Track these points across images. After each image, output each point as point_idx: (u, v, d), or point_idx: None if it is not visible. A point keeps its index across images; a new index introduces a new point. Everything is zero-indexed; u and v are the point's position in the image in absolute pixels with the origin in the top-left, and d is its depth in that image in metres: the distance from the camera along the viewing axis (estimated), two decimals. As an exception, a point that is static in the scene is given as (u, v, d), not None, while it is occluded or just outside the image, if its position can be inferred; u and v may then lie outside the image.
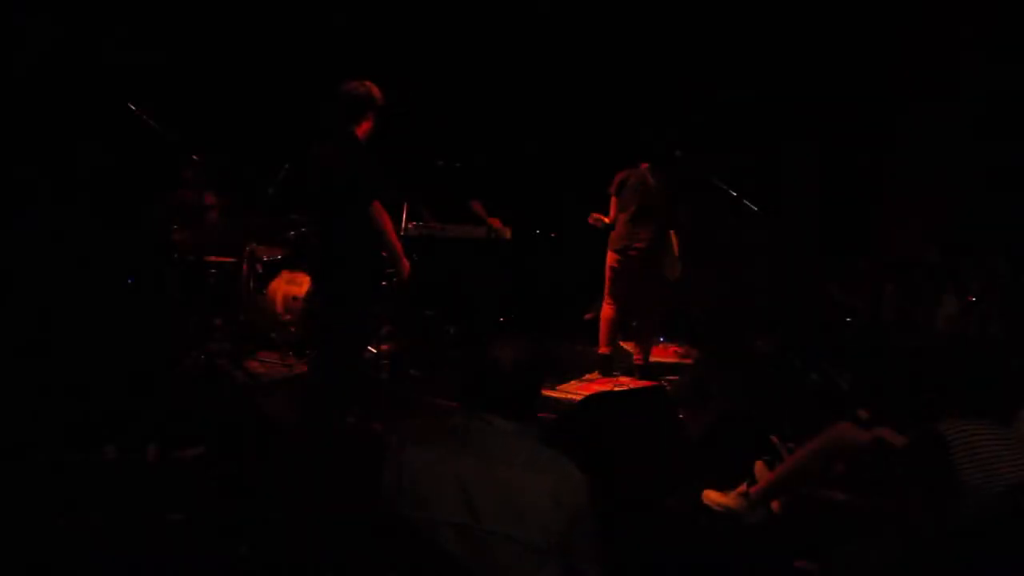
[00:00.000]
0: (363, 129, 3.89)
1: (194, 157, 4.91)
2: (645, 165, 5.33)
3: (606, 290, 5.50)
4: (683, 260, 5.90)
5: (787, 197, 6.19)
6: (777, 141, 6.47)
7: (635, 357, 5.53)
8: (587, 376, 5.47)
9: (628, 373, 5.62)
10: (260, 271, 5.67)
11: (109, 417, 3.65)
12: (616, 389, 5.09)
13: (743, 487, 3.38)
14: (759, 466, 3.53)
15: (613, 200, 5.47)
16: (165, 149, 4.90)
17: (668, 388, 4.83)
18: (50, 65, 5.09)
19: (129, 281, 5.16)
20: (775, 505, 3.33)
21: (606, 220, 5.42)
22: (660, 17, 6.51)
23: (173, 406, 4.02)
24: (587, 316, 6.44)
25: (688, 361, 5.86)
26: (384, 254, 3.89)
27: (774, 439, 3.62)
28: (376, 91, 3.93)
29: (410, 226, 5.83)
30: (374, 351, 5.44)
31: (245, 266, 5.52)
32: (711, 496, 3.41)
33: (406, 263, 3.93)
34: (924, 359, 2.64)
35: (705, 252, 6.72)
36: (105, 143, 5.24)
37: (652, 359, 6.10)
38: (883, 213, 6.18)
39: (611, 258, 5.43)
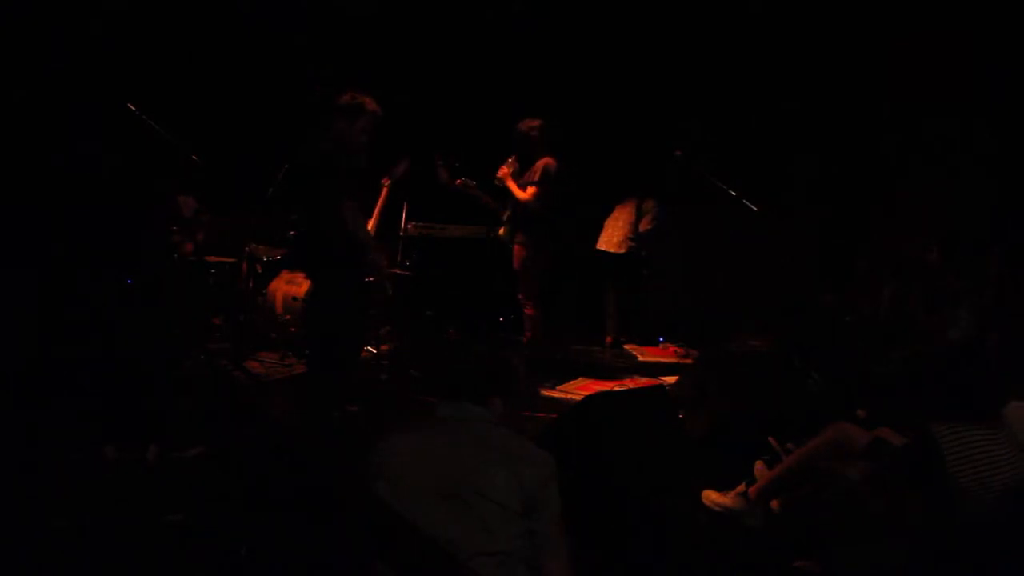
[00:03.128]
0: (346, 133, 3.90)
1: (193, 157, 4.91)
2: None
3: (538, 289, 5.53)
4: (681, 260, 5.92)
5: (787, 197, 6.19)
6: (777, 141, 6.47)
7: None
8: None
9: (627, 373, 5.63)
10: (260, 271, 5.67)
11: (110, 417, 3.66)
12: (616, 389, 5.09)
13: (742, 487, 3.38)
14: (759, 466, 3.54)
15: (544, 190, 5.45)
16: (165, 149, 4.90)
17: (668, 388, 4.83)
18: (50, 64, 5.09)
19: (128, 282, 5.16)
20: (774, 504, 3.33)
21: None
22: (660, 19, 6.52)
23: (173, 406, 4.02)
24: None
25: (688, 361, 5.86)
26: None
27: (772, 439, 3.62)
28: (364, 102, 3.94)
29: (409, 226, 5.84)
30: (374, 351, 5.45)
31: (245, 266, 5.52)
32: (710, 496, 3.41)
33: (375, 260, 3.96)
34: (921, 360, 2.64)
35: (705, 252, 6.73)
36: (105, 143, 5.23)
37: (652, 359, 6.11)
38: (883, 213, 6.18)
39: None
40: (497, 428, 2.11)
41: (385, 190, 5.31)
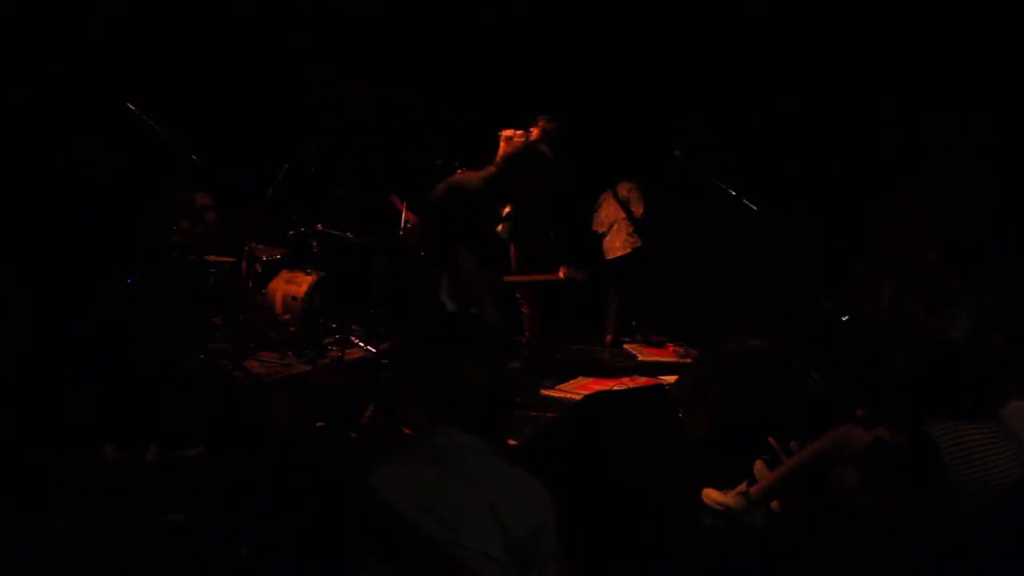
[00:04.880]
0: (516, 174, 3.85)
1: (193, 156, 4.91)
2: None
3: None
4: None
5: (787, 197, 6.19)
6: (777, 141, 6.47)
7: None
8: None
9: (627, 373, 5.63)
10: (260, 271, 5.67)
11: (109, 417, 3.65)
12: (616, 389, 5.09)
13: (743, 486, 3.37)
14: (759, 465, 3.53)
15: None
16: (164, 149, 4.90)
17: (668, 388, 4.83)
18: (50, 64, 5.09)
19: (128, 281, 5.16)
20: (774, 505, 3.33)
21: None
22: (660, 19, 6.52)
23: (173, 406, 4.02)
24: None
25: (688, 361, 5.86)
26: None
27: (772, 439, 3.62)
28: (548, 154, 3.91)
29: (408, 226, 5.83)
30: (373, 351, 5.46)
31: (245, 266, 5.52)
32: (711, 495, 3.40)
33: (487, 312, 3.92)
34: (921, 360, 2.64)
35: (705, 252, 6.73)
36: (105, 143, 5.23)
37: (652, 359, 6.09)
38: (883, 213, 6.18)
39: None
40: (492, 462, 1.90)
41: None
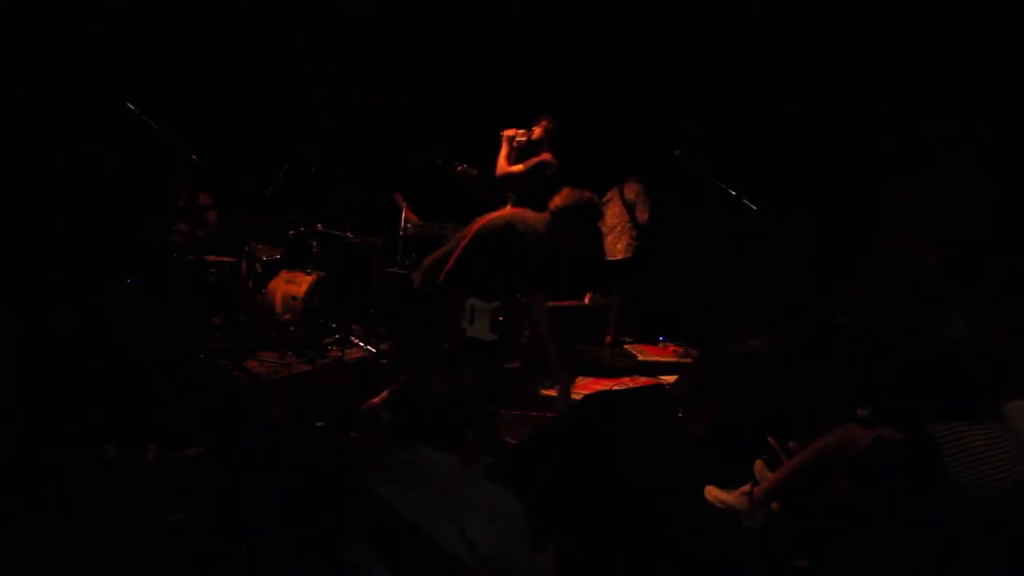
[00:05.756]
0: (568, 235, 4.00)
1: (193, 156, 4.91)
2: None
3: None
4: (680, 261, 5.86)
5: (787, 197, 6.19)
6: (777, 141, 6.47)
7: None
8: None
9: (627, 372, 5.63)
10: (260, 271, 5.68)
11: (109, 417, 3.65)
12: (616, 388, 5.09)
13: (747, 487, 3.37)
14: (759, 465, 3.53)
15: None
16: (164, 149, 4.90)
17: (668, 388, 4.83)
18: (50, 64, 5.09)
19: (128, 281, 5.16)
20: (775, 505, 3.32)
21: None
22: (661, 19, 6.52)
23: (173, 406, 4.02)
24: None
25: (688, 361, 5.86)
26: None
27: (771, 439, 3.62)
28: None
29: (408, 226, 5.84)
30: (373, 351, 5.46)
31: (245, 266, 5.52)
32: (713, 492, 3.40)
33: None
34: (920, 360, 2.64)
35: (705, 252, 6.73)
36: (105, 143, 5.23)
37: (652, 358, 6.09)
38: (883, 213, 6.18)
39: None
40: (461, 477, 1.85)
41: None
